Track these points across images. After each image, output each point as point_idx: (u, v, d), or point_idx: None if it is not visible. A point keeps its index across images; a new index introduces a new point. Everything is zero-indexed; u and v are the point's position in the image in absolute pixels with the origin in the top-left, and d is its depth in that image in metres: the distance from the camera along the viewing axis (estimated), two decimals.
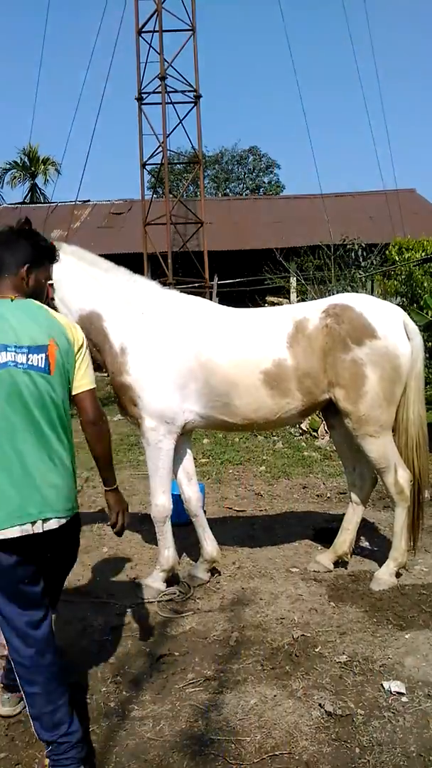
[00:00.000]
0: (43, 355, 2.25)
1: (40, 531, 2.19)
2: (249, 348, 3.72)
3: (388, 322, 3.70)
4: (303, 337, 3.70)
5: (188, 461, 4.11)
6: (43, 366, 2.24)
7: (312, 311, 3.79)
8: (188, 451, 4.12)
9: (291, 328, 3.74)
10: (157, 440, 3.75)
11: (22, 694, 2.32)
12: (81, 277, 3.77)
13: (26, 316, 2.28)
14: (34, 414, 2.22)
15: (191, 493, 4.06)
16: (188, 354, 3.71)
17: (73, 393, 2.40)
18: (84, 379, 2.41)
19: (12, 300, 2.31)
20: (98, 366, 3.69)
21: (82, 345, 2.43)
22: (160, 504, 3.83)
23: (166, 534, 3.90)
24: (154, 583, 3.89)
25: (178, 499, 4.09)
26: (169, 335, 3.75)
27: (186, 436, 4.06)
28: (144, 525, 5.06)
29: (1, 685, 2.77)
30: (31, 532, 2.17)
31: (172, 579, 4.03)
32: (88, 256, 3.85)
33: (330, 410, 4.01)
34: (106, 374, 3.97)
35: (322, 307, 3.78)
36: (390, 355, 3.63)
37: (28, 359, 2.21)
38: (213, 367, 3.70)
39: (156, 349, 3.72)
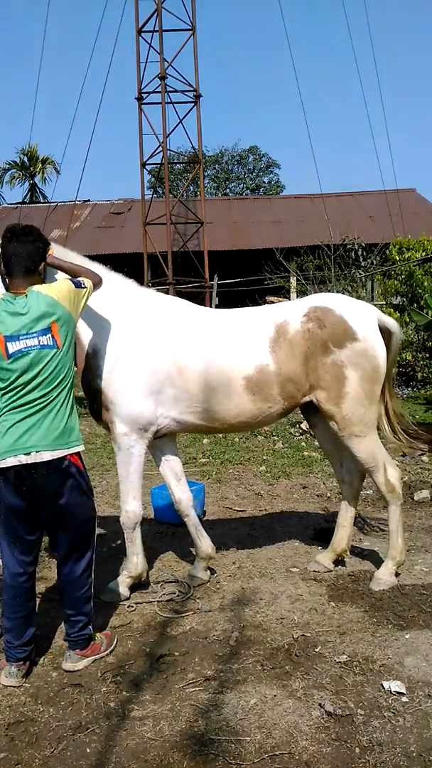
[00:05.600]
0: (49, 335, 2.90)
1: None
2: (230, 353, 3.62)
3: (367, 323, 3.69)
4: (285, 341, 3.62)
5: (175, 462, 4.05)
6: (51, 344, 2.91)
7: (292, 314, 3.71)
8: (174, 451, 4.06)
9: (273, 332, 3.66)
10: (129, 445, 3.65)
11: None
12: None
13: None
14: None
15: (181, 494, 3.99)
16: (165, 358, 3.59)
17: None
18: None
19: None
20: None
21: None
22: (131, 510, 3.75)
23: (135, 540, 3.83)
24: (118, 587, 3.82)
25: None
26: (145, 337, 3.62)
27: (170, 437, 4.01)
28: (143, 526, 5.04)
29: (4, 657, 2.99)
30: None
31: (171, 579, 4.04)
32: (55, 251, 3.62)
33: (310, 410, 3.99)
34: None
35: (303, 310, 3.70)
36: (369, 355, 3.63)
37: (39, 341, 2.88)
38: (192, 373, 3.59)
39: (130, 352, 3.58)
